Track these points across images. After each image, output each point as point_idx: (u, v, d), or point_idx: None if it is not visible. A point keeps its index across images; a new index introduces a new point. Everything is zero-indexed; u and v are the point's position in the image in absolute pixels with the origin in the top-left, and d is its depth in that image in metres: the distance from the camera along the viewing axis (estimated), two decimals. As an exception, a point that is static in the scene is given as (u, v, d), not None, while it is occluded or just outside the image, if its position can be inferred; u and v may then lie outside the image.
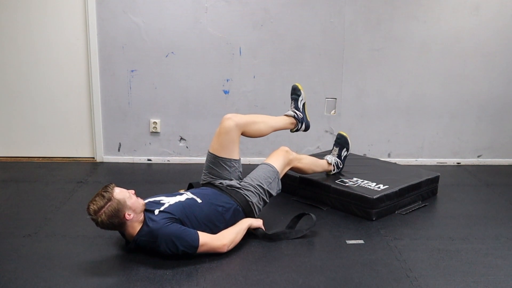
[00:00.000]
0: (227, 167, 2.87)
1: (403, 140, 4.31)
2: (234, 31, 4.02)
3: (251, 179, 2.88)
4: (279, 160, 3.00)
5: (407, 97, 4.22)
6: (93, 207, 2.40)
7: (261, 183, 2.85)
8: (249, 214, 2.79)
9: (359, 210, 3.08)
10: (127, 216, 2.43)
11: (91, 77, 4.05)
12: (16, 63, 4.05)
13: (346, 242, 2.74)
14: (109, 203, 2.40)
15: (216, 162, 2.88)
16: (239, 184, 2.84)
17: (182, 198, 2.65)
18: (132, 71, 4.06)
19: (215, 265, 2.46)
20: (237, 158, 2.91)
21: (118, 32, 3.98)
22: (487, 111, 4.27)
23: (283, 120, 3.16)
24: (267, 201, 2.90)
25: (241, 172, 2.95)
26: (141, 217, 2.50)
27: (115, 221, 2.42)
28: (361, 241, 2.75)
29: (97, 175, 3.90)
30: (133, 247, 2.52)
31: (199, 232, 2.50)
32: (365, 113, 4.24)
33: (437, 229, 2.96)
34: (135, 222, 2.48)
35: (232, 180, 2.88)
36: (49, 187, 3.59)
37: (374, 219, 3.03)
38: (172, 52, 4.03)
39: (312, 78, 4.15)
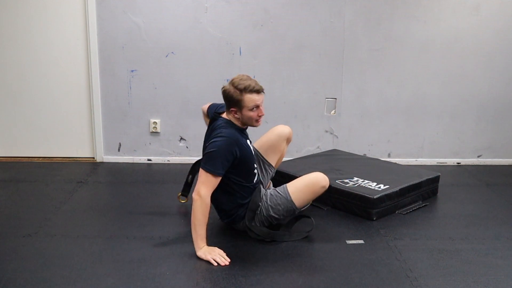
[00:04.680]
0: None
1: (403, 140, 4.31)
2: (234, 31, 4.02)
3: (273, 205, 2.77)
4: (309, 196, 2.80)
5: (407, 97, 4.22)
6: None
7: (272, 216, 2.76)
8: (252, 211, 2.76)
9: (360, 210, 3.08)
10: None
11: (91, 77, 4.05)
12: (16, 63, 4.05)
13: (346, 242, 2.74)
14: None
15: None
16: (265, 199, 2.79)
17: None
18: (132, 71, 4.06)
19: (215, 265, 2.45)
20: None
21: (118, 32, 3.98)
22: (487, 111, 4.27)
23: None
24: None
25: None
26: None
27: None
28: (361, 241, 2.75)
29: (97, 175, 3.90)
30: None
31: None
32: (365, 113, 4.24)
33: (437, 229, 2.96)
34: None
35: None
36: (49, 187, 3.59)
37: (374, 219, 3.03)
38: (172, 52, 4.03)
39: (312, 78, 4.15)
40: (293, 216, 2.82)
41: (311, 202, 2.93)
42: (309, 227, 2.81)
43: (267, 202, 2.75)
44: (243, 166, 2.66)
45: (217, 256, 2.49)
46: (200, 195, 2.51)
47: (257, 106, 2.61)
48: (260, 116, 2.66)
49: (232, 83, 2.62)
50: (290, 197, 2.73)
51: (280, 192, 2.76)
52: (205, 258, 2.49)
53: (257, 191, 2.77)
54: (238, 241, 2.74)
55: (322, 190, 2.78)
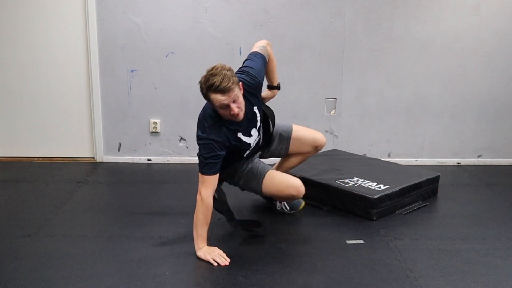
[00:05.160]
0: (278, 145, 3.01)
1: (403, 140, 4.30)
2: (234, 31, 4.02)
3: (254, 170, 2.86)
4: (277, 193, 2.85)
5: (407, 97, 4.22)
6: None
7: (239, 184, 2.90)
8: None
9: (360, 210, 3.08)
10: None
11: (91, 77, 4.05)
12: (16, 63, 4.05)
13: (346, 242, 2.74)
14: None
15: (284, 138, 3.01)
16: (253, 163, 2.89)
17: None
18: (132, 71, 4.06)
19: (215, 265, 2.45)
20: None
21: (118, 32, 3.98)
22: (487, 111, 4.27)
23: None
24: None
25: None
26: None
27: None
28: (361, 241, 2.75)
29: (97, 175, 3.90)
30: None
31: None
32: (365, 113, 4.24)
33: (437, 229, 2.96)
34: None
35: (258, 158, 2.97)
36: (49, 187, 3.59)
37: (374, 219, 3.03)
38: (172, 52, 4.03)
39: (312, 78, 4.15)
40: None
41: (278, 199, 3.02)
42: (258, 228, 2.81)
43: (243, 172, 2.83)
44: (232, 156, 2.69)
45: (217, 256, 2.49)
46: (201, 196, 2.52)
47: (226, 105, 2.42)
48: (233, 114, 2.45)
49: (203, 76, 2.42)
50: (262, 182, 2.79)
51: (258, 172, 2.82)
52: (205, 258, 2.49)
53: (242, 161, 2.82)
54: (238, 241, 2.74)
55: (289, 197, 2.83)
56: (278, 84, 2.96)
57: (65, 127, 4.20)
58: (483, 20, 4.07)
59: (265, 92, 2.94)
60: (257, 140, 2.80)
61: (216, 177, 2.57)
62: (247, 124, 2.66)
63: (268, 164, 2.94)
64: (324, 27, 4.05)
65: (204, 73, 2.47)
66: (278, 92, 2.99)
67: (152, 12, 3.96)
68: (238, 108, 2.45)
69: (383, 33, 4.07)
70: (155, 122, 4.16)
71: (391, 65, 4.15)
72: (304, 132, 3.05)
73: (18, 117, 4.16)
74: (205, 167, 2.53)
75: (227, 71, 2.39)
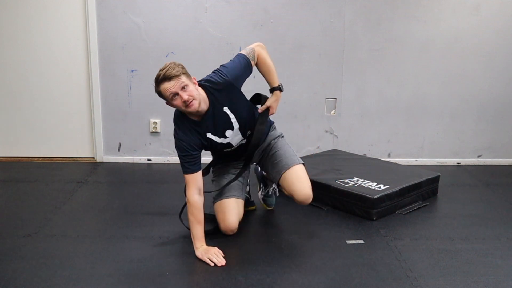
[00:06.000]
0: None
1: (403, 140, 4.31)
2: (234, 31, 4.02)
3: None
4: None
5: (407, 97, 4.22)
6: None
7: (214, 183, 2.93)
8: None
9: (360, 210, 3.08)
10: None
11: (91, 77, 4.05)
12: (16, 63, 4.05)
13: (346, 242, 2.74)
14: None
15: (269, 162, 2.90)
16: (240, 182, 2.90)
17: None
18: (132, 71, 4.06)
19: (215, 265, 2.45)
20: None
21: (118, 32, 3.98)
22: (487, 111, 4.27)
23: None
24: None
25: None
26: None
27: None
28: (361, 241, 2.75)
29: (97, 175, 3.90)
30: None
31: None
32: (365, 113, 4.24)
33: (437, 229, 2.96)
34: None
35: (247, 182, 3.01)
36: (49, 187, 3.59)
37: (374, 219, 3.03)
38: (172, 52, 4.03)
39: (312, 78, 4.15)
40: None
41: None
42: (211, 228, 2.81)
43: (219, 180, 2.87)
44: (213, 151, 2.74)
45: (213, 255, 2.48)
46: (186, 196, 2.58)
47: (176, 94, 2.40)
48: (185, 102, 2.40)
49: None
50: (215, 202, 2.82)
51: (223, 194, 2.81)
52: (202, 258, 2.48)
53: (230, 166, 2.89)
54: (238, 241, 2.74)
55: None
56: (279, 85, 2.83)
57: (65, 127, 4.20)
58: (483, 20, 4.07)
59: (269, 98, 2.84)
60: (239, 143, 2.76)
61: (196, 176, 2.55)
62: (215, 124, 2.61)
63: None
64: (324, 27, 4.05)
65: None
66: (281, 94, 2.86)
67: (152, 12, 3.96)
68: (189, 96, 2.41)
69: (383, 33, 4.08)
70: (155, 122, 4.17)
71: (391, 65, 4.15)
72: (293, 179, 2.76)
73: (18, 117, 4.17)
74: (182, 166, 2.56)
75: (175, 64, 2.43)
